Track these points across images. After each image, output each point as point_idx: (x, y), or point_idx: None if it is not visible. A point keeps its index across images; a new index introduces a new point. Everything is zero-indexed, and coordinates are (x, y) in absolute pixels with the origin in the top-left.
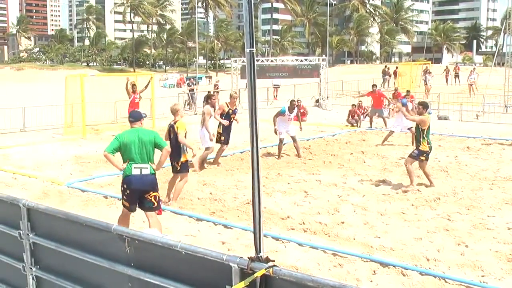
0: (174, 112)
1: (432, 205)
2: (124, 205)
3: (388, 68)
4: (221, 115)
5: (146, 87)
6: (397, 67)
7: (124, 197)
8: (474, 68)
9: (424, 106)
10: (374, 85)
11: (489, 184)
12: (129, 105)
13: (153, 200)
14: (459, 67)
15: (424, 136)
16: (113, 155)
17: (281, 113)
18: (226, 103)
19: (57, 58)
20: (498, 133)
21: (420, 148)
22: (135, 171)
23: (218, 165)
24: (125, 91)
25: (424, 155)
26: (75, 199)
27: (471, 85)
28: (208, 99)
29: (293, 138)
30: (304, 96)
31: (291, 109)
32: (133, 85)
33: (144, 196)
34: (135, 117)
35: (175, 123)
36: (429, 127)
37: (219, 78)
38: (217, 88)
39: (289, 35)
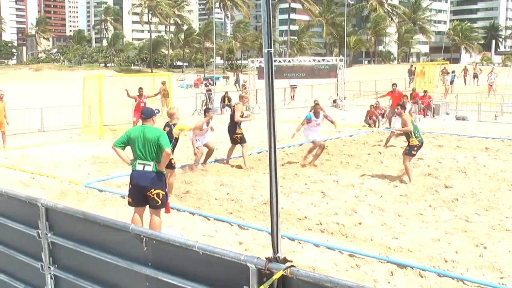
0: (170, 115)
1: (450, 206)
2: (128, 200)
3: (415, 68)
4: (242, 116)
5: (155, 95)
6: (423, 67)
7: (128, 192)
8: (493, 68)
9: (401, 106)
10: (394, 84)
11: (508, 185)
12: (135, 108)
13: (155, 198)
14: (478, 67)
15: (412, 134)
16: (122, 149)
17: (307, 120)
18: (241, 104)
19: (75, 59)
20: None
21: (410, 144)
22: (139, 167)
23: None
24: (129, 98)
25: (415, 148)
26: (93, 199)
27: (491, 85)
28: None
29: (321, 146)
30: (321, 96)
31: (316, 113)
32: (140, 88)
33: (147, 194)
34: (146, 114)
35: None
36: (415, 125)
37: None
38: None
39: (307, 35)
